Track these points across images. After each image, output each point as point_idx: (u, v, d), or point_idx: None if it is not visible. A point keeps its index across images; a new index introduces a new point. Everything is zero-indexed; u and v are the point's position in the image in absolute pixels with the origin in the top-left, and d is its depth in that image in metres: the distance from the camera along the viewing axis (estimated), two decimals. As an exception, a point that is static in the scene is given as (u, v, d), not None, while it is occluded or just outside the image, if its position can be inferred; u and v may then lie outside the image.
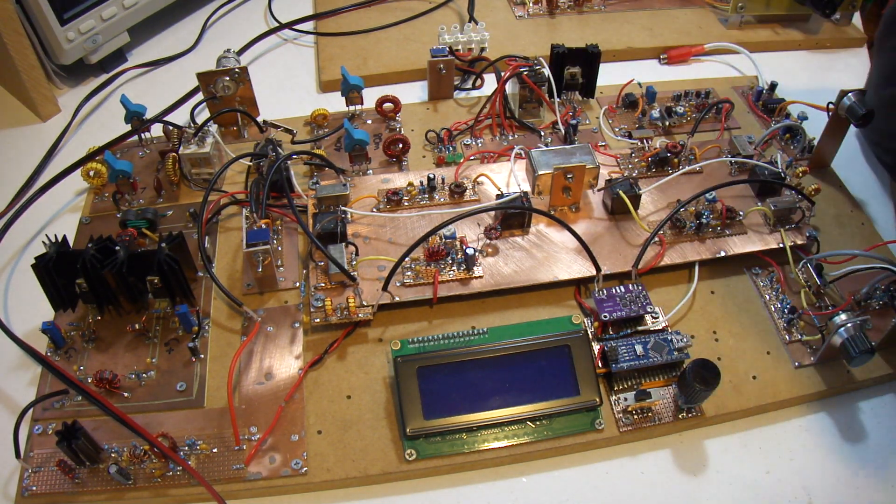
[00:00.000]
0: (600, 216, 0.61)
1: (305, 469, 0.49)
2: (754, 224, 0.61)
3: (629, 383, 0.52)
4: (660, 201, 0.63)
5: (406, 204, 0.62)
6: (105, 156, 0.64)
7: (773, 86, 0.74)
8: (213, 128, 0.67)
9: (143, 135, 0.69)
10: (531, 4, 0.87)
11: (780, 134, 0.70)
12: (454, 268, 0.57)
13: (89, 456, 0.48)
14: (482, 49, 0.78)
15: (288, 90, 0.80)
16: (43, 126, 0.76)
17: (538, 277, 0.57)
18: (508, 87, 0.71)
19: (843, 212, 0.65)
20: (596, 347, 0.53)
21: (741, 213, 0.61)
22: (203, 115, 0.75)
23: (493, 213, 0.60)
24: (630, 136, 0.69)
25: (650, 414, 0.51)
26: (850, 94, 0.61)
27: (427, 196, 0.63)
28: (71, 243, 0.58)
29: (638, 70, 0.80)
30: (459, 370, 0.51)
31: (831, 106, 0.63)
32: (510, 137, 0.70)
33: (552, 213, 0.61)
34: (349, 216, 0.60)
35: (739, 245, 0.59)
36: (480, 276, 0.57)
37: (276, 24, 0.86)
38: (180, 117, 0.74)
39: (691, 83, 0.77)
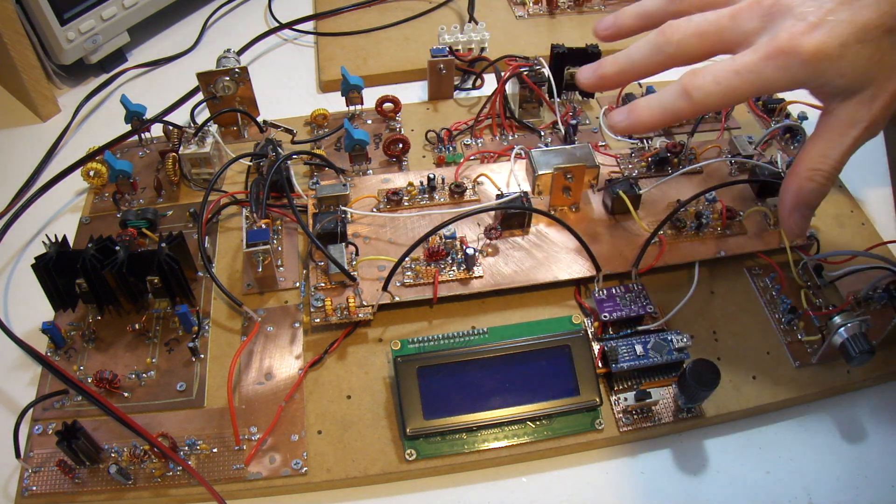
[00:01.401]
0: (600, 216, 0.61)
1: (305, 469, 0.49)
2: (754, 224, 0.61)
3: (629, 383, 0.52)
4: (660, 201, 0.63)
5: (406, 204, 0.62)
6: (105, 156, 0.64)
7: (773, 86, 0.74)
8: (213, 128, 0.66)
9: (143, 135, 0.69)
10: (531, 4, 0.87)
11: (780, 134, 0.70)
12: (454, 268, 0.57)
13: (89, 456, 0.48)
14: (482, 49, 0.78)
15: (288, 90, 0.79)
16: (43, 126, 0.76)
17: (538, 277, 0.57)
18: (508, 87, 0.71)
19: (843, 212, 0.65)
20: (596, 347, 0.53)
21: (741, 213, 0.61)
22: (203, 115, 0.75)
23: (493, 213, 0.60)
24: (630, 137, 0.69)
25: (650, 414, 0.51)
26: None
27: (427, 196, 0.63)
28: (71, 243, 0.58)
29: (638, 70, 0.79)
30: (459, 370, 0.51)
31: (831, 106, 0.63)
32: (510, 137, 0.70)
33: (552, 213, 0.61)
34: (349, 216, 0.60)
35: (739, 245, 0.59)
36: (480, 276, 0.57)
37: (276, 24, 0.86)
38: (180, 117, 0.74)
39: (691, 83, 0.77)
